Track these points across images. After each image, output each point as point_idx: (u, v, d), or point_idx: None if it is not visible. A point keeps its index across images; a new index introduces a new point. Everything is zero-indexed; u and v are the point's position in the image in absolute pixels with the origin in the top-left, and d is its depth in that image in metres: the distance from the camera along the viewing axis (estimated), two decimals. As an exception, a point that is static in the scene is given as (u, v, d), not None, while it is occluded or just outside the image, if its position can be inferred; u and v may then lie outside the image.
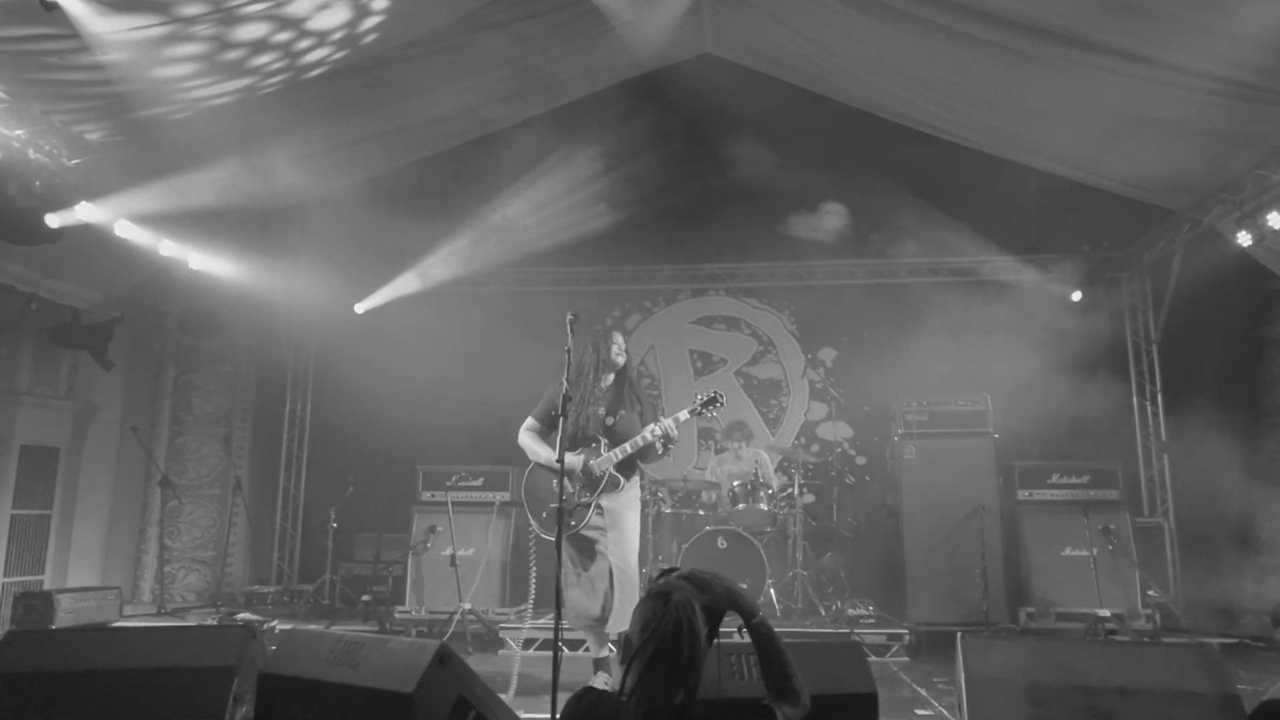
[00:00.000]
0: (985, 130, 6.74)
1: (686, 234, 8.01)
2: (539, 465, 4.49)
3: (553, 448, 4.29)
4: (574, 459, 4.35)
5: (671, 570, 2.47)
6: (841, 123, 7.14)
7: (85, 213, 5.83)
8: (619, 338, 4.57)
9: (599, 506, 4.35)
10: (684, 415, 4.32)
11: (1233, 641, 5.75)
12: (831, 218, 7.78)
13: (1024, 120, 6.39)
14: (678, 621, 2.01)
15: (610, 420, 4.39)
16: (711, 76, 7.22)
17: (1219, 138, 5.59)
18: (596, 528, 4.38)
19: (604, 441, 4.39)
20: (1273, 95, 4.94)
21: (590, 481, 4.37)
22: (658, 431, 4.25)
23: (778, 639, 2.26)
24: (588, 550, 4.40)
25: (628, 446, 4.31)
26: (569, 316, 3.91)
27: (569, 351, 3.89)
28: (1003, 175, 7.06)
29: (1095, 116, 5.78)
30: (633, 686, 1.98)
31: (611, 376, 4.50)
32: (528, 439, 4.56)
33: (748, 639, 2.33)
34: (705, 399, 4.36)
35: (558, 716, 2.37)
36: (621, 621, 4.22)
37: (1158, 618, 5.75)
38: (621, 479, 4.38)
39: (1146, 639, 5.50)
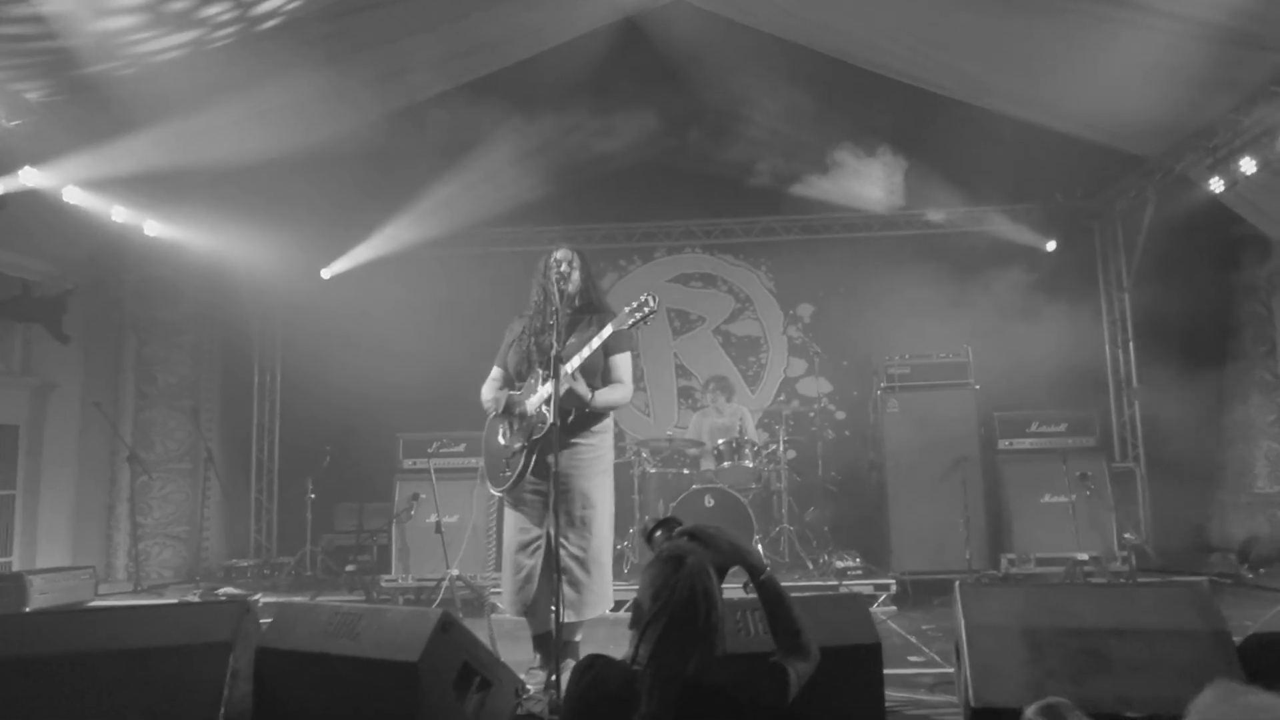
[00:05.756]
0: (959, 77, 6.66)
1: (660, 190, 7.86)
2: (495, 416, 3.75)
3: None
4: (504, 394, 3.70)
5: (667, 521, 2.39)
6: (814, 71, 7.00)
7: (30, 178, 5.54)
8: (562, 254, 3.67)
9: (546, 465, 3.42)
10: (629, 324, 3.46)
11: (1203, 579, 5.94)
12: (805, 171, 7.69)
13: (998, 66, 6.32)
14: (693, 589, 1.94)
15: (557, 349, 3.40)
16: (682, 25, 7.02)
17: (1194, 81, 5.56)
18: (535, 490, 3.55)
19: (542, 374, 3.53)
20: (1249, 38, 4.93)
21: (524, 425, 3.57)
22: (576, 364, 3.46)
23: (786, 594, 2.23)
24: (534, 516, 3.59)
25: (550, 387, 3.39)
26: None
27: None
28: (975, 124, 6.99)
29: (1070, 61, 5.73)
30: (647, 656, 1.92)
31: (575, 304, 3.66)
32: (485, 389, 3.88)
33: (750, 594, 2.30)
34: (647, 310, 3.48)
35: (564, 686, 2.30)
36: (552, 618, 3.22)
37: (1133, 559, 5.91)
38: (558, 424, 3.36)
39: (1123, 580, 5.65)
